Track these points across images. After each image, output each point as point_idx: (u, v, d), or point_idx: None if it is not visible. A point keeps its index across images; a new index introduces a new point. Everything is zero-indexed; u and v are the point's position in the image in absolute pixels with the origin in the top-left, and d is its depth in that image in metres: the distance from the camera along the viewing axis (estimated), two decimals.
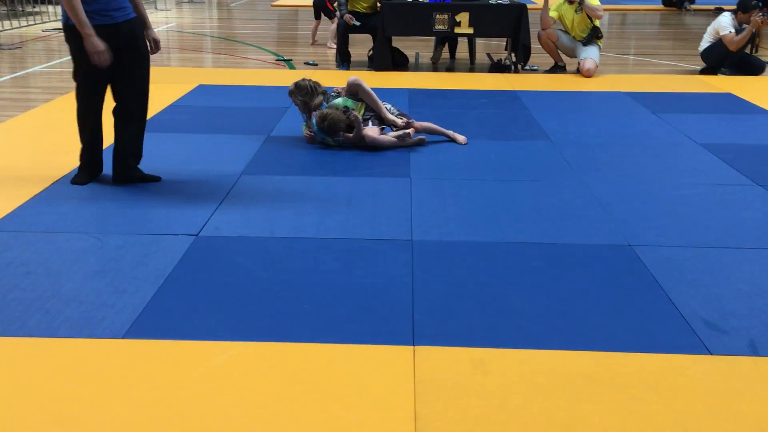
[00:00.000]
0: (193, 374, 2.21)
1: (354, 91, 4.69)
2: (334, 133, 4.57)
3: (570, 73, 7.46)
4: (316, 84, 4.79)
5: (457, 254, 3.07)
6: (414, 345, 2.38)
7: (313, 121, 4.61)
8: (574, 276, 2.89)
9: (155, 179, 3.96)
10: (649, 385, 2.19)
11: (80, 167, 3.92)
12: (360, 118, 4.57)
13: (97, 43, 3.41)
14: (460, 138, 4.76)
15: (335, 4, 8.57)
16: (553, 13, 7.31)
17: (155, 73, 7.06)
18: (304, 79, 4.79)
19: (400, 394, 2.13)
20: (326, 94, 4.80)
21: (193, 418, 2.02)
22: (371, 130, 4.56)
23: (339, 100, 4.68)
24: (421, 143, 4.71)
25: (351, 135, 4.60)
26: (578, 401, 2.11)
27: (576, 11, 7.15)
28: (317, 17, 9.19)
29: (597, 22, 7.18)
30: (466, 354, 2.34)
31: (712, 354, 2.36)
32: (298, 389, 2.15)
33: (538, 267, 2.97)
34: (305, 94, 4.73)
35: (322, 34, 9.51)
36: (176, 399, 2.09)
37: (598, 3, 7.07)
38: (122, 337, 2.40)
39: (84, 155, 3.88)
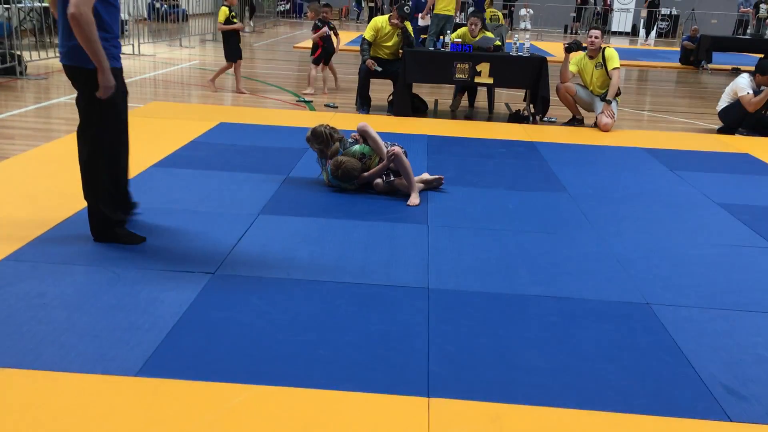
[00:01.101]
0: (206, 416, 2.18)
1: (362, 135, 4.73)
2: (348, 181, 4.60)
3: (587, 126, 7.50)
4: (333, 130, 4.77)
5: (474, 305, 3.05)
6: (429, 397, 2.35)
7: (329, 168, 4.64)
8: (591, 333, 2.86)
9: (140, 240, 3.61)
10: None
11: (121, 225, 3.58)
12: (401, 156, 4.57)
13: (112, 78, 3.25)
14: (414, 199, 4.48)
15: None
16: (572, 68, 7.38)
17: (177, 108, 7.19)
18: (320, 125, 4.78)
19: None
20: (343, 140, 4.79)
21: None
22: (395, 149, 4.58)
23: (356, 147, 4.70)
24: (438, 183, 4.77)
25: (366, 174, 4.62)
26: None
27: (596, 67, 7.22)
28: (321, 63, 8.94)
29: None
30: (482, 408, 2.30)
31: (732, 421, 2.32)
32: None
33: (554, 322, 2.94)
34: (321, 141, 4.74)
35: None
36: None
37: (616, 59, 7.14)
38: (135, 375, 2.39)
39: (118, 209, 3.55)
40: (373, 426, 2.18)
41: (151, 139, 5.73)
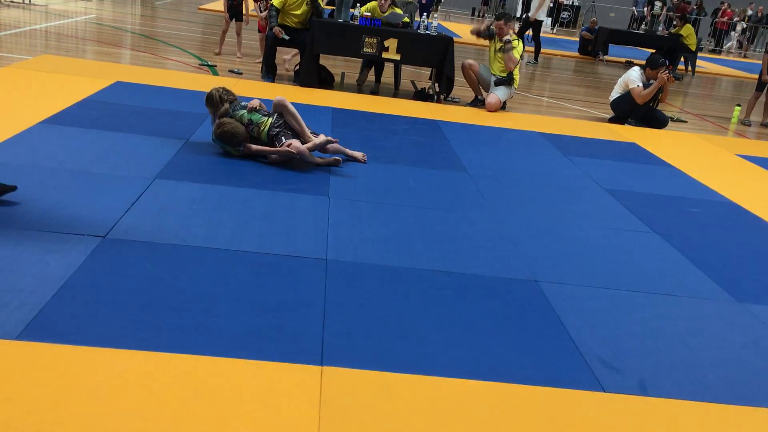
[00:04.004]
0: (90, 382, 2.12)
1: (279, 110, 4.66)
2: (229, 143, 4.54)
3: None
4: (225, 93, 4.77)
5: (370, 277, 3.10)
6: (322, 365, 2.38)
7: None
8: (481, 307, 2.97)
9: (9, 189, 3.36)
10: (546, 418, 2.27)
11: None
12: (294, 148, 4.48)
13: None
14: (359, 155, 4.83)
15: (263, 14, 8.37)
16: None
17: (70, 63, 6.82)
18: (215, 89, 4.81)
19: (306, 414, 2.12)
20: (235, 103, 4.74)
21: (85, 428, 1.93)
22: (295, 141, 4.52)
23: (243, 112, 4.64)
24: (336, 164, 4.69)
25: (253, 146, 4.56)
26: (479, 431, 2.16)
27: (498, 50, 7.42)
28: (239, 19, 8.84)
29: (517, 71, 7.47)
30: (373, 377, 2.35)
31: (605, 391, 2.47)
32: (200, 404, 2.10)
33: (447, 295, 3.03)
34: (212, 104, 4.77)
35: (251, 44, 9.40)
36: (70, 407, 2.00)
37: (518, 55, 7.35)
38: (15, 339, 2.28)
39: None
40: (265, 393, 2.19)
41: (39, 94, 5.42)
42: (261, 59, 8.47)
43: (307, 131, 4.67)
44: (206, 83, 6.77)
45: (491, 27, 7.55)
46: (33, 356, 2.21)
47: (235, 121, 4.56)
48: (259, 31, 8.65)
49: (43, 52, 7.58)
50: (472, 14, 25.74)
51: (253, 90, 6.47)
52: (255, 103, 4.73)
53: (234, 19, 8.71)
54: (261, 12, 8.44)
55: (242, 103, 4.75)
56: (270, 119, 4.62)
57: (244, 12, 8.72)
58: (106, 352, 2.28)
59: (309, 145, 4.53)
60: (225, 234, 3.34)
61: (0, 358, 2.17)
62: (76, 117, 4.97)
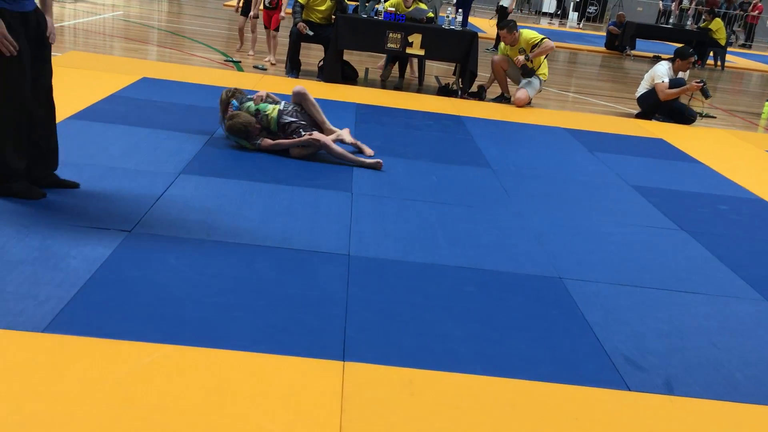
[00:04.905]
0: (115, 375, 2.14)
1: (298, 100, 4.68)
2: (241, 136, 4.56)
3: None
4: (230, 91, 4.82)
5: (393, 273, 3.09)
6: (344, 360, 2.38)
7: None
8: (504, 304, 2.95)
9: (72, 185, 3.55)
10: (569, 416, 2.25)
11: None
12: (308, 136, 4.50)
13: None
14: (368, 151, 4.81)
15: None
16: (501, 52, 7.58)
17: (98, 60, 6.90)
18: (224, 90, 4.86)
19: (327, 409, 2.12)
20: (240, 96, 4.78)
21: (110, 421, 1.95)
22: (317, 134, 4.52)
23: (250, 103, 4.67)
24: (377, 166, 4.54)
25: (271, 141, 4.58)
26: (502, 428, 2.15)
27: (520, 52, 7.38)
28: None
29: (545, 64, 7.42)
30: (395, 373, 2.35)
31: (630, 390, 2.44)
32: (223, 397, 2.11)
33: (470, 292, 3.01)
34: (221, 103, 4.82)
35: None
36: (94, 399, 2.02)
37: (535, 35, 7.30)
38: (42, 331, 2.31)
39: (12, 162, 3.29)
40: (287, 387, 2.20)
41: (68, 90, 5.48)
42: (269, 54, 8.46)
43: (328, 122, 4.67)
44: (231, 79, 6.81)
45: (483, 87, 7.66)
46: (59, 349, 2.23)
47: (244, 112, 4.60)
48: (266, 27, 8.63)
49: (71, 48, 7.67)
50: (496, 11, 25.53)
51: (277, 86, 6.49)
52: (261, 94, 4.76)
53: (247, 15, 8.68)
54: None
55: (248, 96, 4.80)
56: (278, 106, 4.64)
57: (253, 6, 8.62)
58: (131, 345, 2.30)
59: (333, 136, 4.54)
60: (249, 229, 3.36)
61: (27, 351, 2.20)
62: (103, 113, 5.02)
